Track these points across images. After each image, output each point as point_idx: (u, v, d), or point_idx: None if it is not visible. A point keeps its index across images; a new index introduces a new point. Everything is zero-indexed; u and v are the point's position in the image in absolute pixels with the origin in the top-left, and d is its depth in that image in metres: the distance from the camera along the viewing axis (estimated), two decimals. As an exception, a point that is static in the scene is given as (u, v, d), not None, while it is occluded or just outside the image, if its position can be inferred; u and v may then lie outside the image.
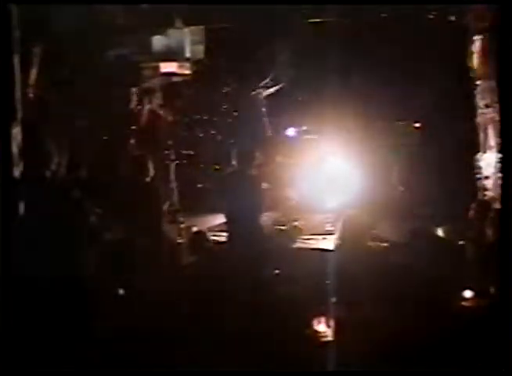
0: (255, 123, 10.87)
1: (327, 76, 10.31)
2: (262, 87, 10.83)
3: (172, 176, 9.69)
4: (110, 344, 5.56)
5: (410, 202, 9.46)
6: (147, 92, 9.98)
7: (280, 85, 10.80)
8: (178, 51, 9.91)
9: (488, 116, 8.44)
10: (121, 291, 6.05)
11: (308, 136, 10.84)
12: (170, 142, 9.72)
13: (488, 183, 8.38)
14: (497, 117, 7.10)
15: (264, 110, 10.93)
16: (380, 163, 9.93)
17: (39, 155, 5.81)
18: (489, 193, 8.22)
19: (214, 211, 8.72)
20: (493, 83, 7.80)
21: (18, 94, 6.29)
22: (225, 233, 7.60)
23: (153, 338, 5.60)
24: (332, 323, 5.80)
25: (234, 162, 7.54)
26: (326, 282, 6.28)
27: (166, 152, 9.59)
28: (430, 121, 10.39)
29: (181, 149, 9.95)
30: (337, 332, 5.76)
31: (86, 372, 5.31)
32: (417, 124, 10.46)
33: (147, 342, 5.57)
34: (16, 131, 5.98)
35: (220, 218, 7.89)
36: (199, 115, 11.23)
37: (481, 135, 8.78)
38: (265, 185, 7.94)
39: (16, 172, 5.75)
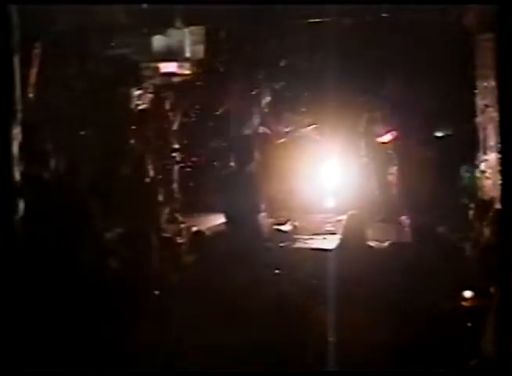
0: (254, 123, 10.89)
1: (327, 75, 10.33)
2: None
3: (172, 176, 9.68)
4: (109, 343, 5.57)
5: (410, 202, 9.45)
6: (147, 92, 9.99)
7: None
8: (178, 51, 9.91)
9: (488, 116, 8.45)
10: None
11: (308, 136, 10.83)
12: (171, 143, 9.72)
13: (488, 183, 8.38)
14: (497, 117, 7.11)
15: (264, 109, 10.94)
16: (380, 163, 9.92)
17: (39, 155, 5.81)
18: (489, 193, 8.22)
19: (214, 211, 8.72)
20: (493, 83, 7.81)
21: (18, 94, 6.29)
22: (224, 233, 7.61)
23: (151, 338, 5.60)
24: (332, 323, 5.81)
25: (233, 162, 7.56)
26: (326, 282, 6.28)
27: (166, 153, 9.59)
28: (431, 121, 10.39)
29: (182, 149, 9.94)
30: (336, 332, 5.77)
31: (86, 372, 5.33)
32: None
33: (146, 342, 5.57)
34: (17, 132, 5.99)
35: (220, 218, 7.90)
36: (199, 115, 11.21)
37: (481, 136, 8.78)
38: (264, 185, 7.95)
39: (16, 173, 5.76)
